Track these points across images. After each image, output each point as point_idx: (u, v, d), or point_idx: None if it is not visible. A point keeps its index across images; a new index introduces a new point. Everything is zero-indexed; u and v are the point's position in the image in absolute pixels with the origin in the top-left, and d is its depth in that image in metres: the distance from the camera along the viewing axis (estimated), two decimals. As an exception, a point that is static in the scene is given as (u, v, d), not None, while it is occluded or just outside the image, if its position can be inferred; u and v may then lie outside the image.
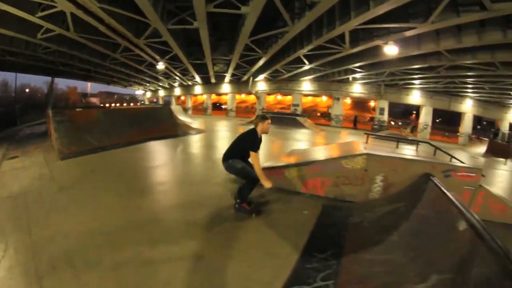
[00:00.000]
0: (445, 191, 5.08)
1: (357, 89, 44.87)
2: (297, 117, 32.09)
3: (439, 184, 5.57)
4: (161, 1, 19.94)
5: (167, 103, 60.65)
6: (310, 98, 58.78)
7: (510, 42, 18.32)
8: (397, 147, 10.57)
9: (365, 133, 11.66)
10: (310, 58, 31.41)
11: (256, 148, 6.54)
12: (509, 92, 34.87)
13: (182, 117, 27.97)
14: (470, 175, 6.67)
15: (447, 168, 6.80)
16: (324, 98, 58.52)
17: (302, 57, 31.36)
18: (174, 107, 33.24)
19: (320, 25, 22.16)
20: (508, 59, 21.62)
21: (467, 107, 44.24)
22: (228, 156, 6.80)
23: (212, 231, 5.87)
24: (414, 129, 41.74)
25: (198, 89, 58.02)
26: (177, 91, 64.25)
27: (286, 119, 30.40)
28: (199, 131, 19.88)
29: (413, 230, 5.12)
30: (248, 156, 6.74)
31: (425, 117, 44.66)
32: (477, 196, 6.64)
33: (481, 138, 38.09)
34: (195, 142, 15.95)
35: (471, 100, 43.92)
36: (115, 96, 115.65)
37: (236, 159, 6.71)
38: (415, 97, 44.47)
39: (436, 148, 10.16)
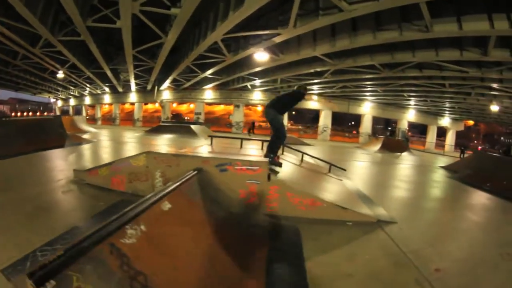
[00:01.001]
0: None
1: (257, 96, 44.75)
2: (192, 125, 30.24)
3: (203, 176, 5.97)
4: (51, 14, 19.98)
5: (78, 112, 59.29)
6: (222, 106, 57.23)
7: (383, 44, 18.99)
8: (241, 147, 11.32)
9: (209, 136, 13.43)
10: (200, 67, 30.93)
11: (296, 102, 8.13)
12: (402, 94, 35.99)
13: (85, 127, 27.45)
14: (253, 169, 6.50)
15: (220, 162, 6.69)
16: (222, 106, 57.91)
17: (192, 66, 30.76)
18: (77, 117, 32.05)
19: (199, 35, 22.08)
20: (386, 61, 21.84)
21: (366, 109, 46.50)
22: (276, 108, 7.83)
23: None
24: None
25: (107, 98, 55.32)
26: (87, 100, 61.07)
27: (181, 128, 28.53)
28: (87, 142, 18.58)
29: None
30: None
31: (324, 120, 45.95)
32: (270, 191, 6.40)
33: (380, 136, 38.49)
34: (69, 154, 13.89)
35: (370, 102, 46.00)
36: (29, 105, 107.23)
37: (281, 116, 7.90)
38: (313, 102, 45.17)
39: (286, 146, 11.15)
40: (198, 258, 3.75)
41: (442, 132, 56.36)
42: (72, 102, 66.65)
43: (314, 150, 21.96)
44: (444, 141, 53.09)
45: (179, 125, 30.34)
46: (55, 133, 16.71)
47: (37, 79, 45.74)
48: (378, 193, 9.93)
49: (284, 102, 8.05)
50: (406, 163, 21.15)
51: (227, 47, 23.31)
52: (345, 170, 12.60)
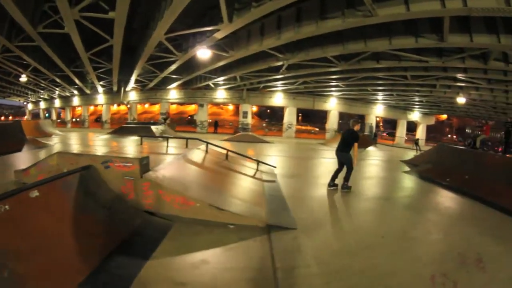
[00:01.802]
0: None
1: (221, 95, 43.74)
2: (153, 126, 28.81)
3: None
4: (7, 21, 20.70)
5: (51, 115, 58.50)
6: (193, 106, 55.32)
7: (335, 36, 18.82)
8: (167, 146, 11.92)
9: (139, 135, 14.42)
10: (158, 67, 30.30)
11: (358, 139, 9.76)
12: (366, 88, 35.41)
13: (51, 131, 26.44)
14: (127, 165, 6.28)
15: (105, 159, 6.53)
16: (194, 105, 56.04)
17: (149, 66, 30.33)
18: (43, 121, 31.25)
19: (149, 35, 21.05)
20: (339, 53, 20.95)
21: (332, 105, 46.10)
22: (345, 149, 9.76)
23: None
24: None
25: (76, 101, 54.09)
26: (57, 102, 59.75)
27: (142, 129, 27.03)
28: (45, 146, 17.67)
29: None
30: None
31: (288, 117, 45.34)
32: (144, 188, 6.18)
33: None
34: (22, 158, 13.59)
35: (335, 98, 45.62)
36: (3, 109, 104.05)
37: (349, 154, 9.70)
38: (278, 99, 44.66)
39: (186, 139, 12.24)
40: (53, 242, 3.96)
41: (414, 127, 56.39)
42: (43, 105, 65.28)
43: (270, 148, 22.49)
44: (415, 135, 52.73)
45: (140, 126, 28.55)
46: (14, 138, 16.35)
47: (2, 83, 45.18)
48: (305, 193, 9.61)
49: (348, 143, 9.80)
50: (366, 158, 21.01)
51: (176, 46, 22.82)
52: (275, 167, 12.44)
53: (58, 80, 38.17)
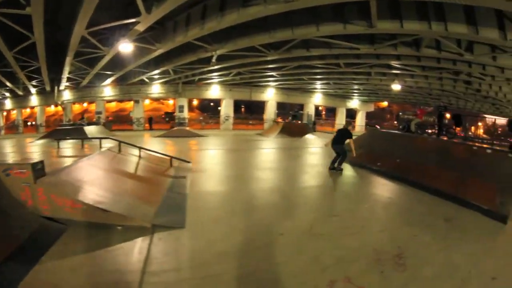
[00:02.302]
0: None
1: (156, 89, 42.52)
2: (87, 127, 28.05)
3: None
4: None
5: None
6: (148, 102, 54.39)
7: (262, 24, 18.56)
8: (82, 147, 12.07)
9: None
10: (88, 63, 29.08)
11: (352, 137, 12.78)
12: (302, 77, 35.41)
13: None
14: (23, 172, 6.12)
15: (5, 167, 6.30)
16: (146, 101, 53.90)
17: (79, 63, 29.09)
18: None
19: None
20: (266, 41, 20.48)
21: (269, 95, 46.31)
22: (340, 142, 12.69)
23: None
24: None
25: (8, 104, 50.33)
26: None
27: (75, 130, 25.79)
28: None
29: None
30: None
31: (225, 109, 45.26)
32: (39, 193, 6.05)
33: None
34: None
35: (273, 88, 45.76)
36: None
37: (343, 145, 12.59)
38: (214, 91, 44.36)
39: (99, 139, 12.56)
40: None
41: (354, 114, 57.74)
42: None
43: (201, 142, 23.05)
44: (355, 122, 54.30)
45: (73, 128, 27.31)
46: None
47: None
48: (212, 189, 9.58)
49: (342, 139, 12.74)
50: (300, 146, 21.43)
51: (104, 40, 21.77)
52: (189, 162, 12.55)
53: None
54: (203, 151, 18.31)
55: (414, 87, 35.58)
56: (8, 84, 36.30)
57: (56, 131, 26.48)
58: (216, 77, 37.58)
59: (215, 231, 6.09)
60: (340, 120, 51.56)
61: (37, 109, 47.32)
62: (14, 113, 53.83)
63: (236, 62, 26.86)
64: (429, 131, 18.26)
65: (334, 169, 12.55)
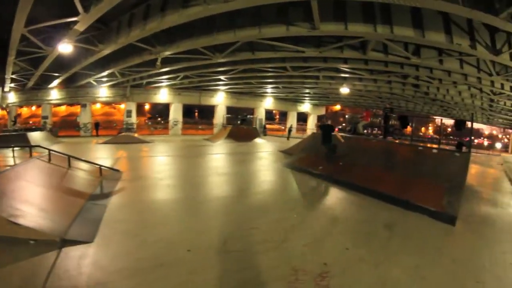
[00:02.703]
0: None
1: (104, 93, 40.91)
2: (31, 133, 26.88)
3: None
4: None
5: None
6: (99, 106, 52.65)
7: (205, 27, 18.55)
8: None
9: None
10: (33, 63, 28.28)
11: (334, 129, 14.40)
12: (250, 81, 35.47)
13: None
14: None
15: None
16: (98, 106, 52.71)
17: (22, 63, 28.13)
18: None
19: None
20: (209, 44, 20.40)
21: (219, 99, 46.57)
22: (327, 139, 13.63)
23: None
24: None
25: None
26: None
27: (17, 137, 24.57)
28: None
29: None
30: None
31: (174, 113, 44.75)
32: None
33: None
34: None
35: (223, 92, 46.06)
36: None
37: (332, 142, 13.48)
38: (163, 95, 43.90)
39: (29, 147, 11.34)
40: None
41: (306, 117, 58.94)
42: None
43: (148, 147, 23.41)
44: (306, 125, 55.84)
45: (15, 135, 25.89)
46: None
47: None
48: (137, 198, 9.29)
49: (328, 134, 13.76)
50: (244, 151, 21.64)
51: (47, 40, 21.04)
52: (118, 170, 12.31)
53: None
54: (141, 158, 18.13)
55: (364, 91, 35.86)
56: None
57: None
58: (165, 80, 37.19)
59: (122, 246, 5.95)
60: (292, 123, 52.51)
61: None
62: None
63: (182, 65, 26.69)
64: (376, 132, 18.96)
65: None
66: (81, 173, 10.81)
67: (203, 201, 9.26)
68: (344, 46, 19.16)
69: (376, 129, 19.90)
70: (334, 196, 10.28)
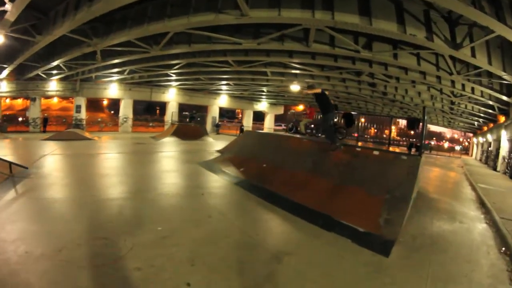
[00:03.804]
0: None
1: (54, 86, 40.39)
2: None
3: None
4: None
5: None
6: (56, 100, 52.51)
7: (141, 13, 18.32)
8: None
9: None
10: None
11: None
12: (199, 76, 35.95)
13: None
14: None
15: None
16: (55, 100, 52.47)
17: None
18: None
19: None
20: (141, 35, 20.23)
21: (171, 96, 46.76)
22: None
23: None
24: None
25: None
26: None
27: None
28: None
29: None
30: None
31: (124, 110, 45.10)
32: None
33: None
34: None
35: (174, 89, 46.23)
36: None
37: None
38: (113, 90, 43.70)
39: None
40: None
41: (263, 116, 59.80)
42: None
43: (88, 144, 23.65)
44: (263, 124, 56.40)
45: None
46: None
47: None
48: (28, 197, 8.74)
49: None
50: (178, 149, 21.58)
51: None
52: (26, 168, 11.78)
53: None
54: (64, 156, 17.52)
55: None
56: None
57: None
58: (114, 75, 37.21)
59: None
60: (247, 123, 53.38)
61: None
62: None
63: (123, 58, 26.84)
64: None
65: (340, 145, 10.48)
66: None
67: (80, 203, 8.47)
68: (283, 36, 18.54)
69: (319, 127, 18.52)
70: (237, 207, 8.76)
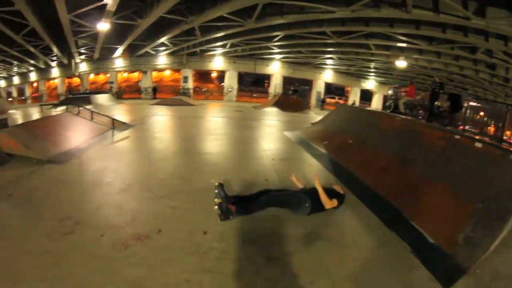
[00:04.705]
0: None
1: (163, 61, 45.02)
2: (95, 95, 30.98)
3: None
4: None
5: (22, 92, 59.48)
6: (168, 73, 56.02)
7: None
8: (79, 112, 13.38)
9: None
10: (90, 38, 31.96)
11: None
12: (299, 49, 35.63)
13: (5, 108, 27.98)
14: None
15: None
16: (167, 72, 56.02)
17: (83, 40, 33.26)
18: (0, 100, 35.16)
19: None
20: (229, 10, 20.73)
21: (275, 68, 46.76)
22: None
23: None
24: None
25: (33, 76, 54.70)
26: (16, 80, 59.77)
27: (83, 99, 28.18)
28: None
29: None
30: None
31: (229, 81, 46.62)
32: (1, 139, 8.45)
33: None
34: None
35: (278, 62, 46.05)
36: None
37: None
38: (218, 63, 45.55)
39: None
40: None
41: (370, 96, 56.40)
42: (2, 83, 63.77)
43: (190, 109, 25.11)
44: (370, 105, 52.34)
45: (81, 97, 30.19)
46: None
47: None
48: (124, 145, 11.13)
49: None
50: (275, 118, 21.42)
51: (91, 20, 24.14)
52: (127, 124, 14.49)
53: (8, 60, 41.76)
54: (166, 117, 19.73)
55: (429, 68, 30.95)
56: (28, 59, 41.32)
57: (67, 99, 28.71)
58: (218, 49, 38.69)
59: (81, 171, 7.95)
60: (352, 101, 50.61)
61: (58, 81, 51.34)
62: (55, 81, 54.94)
63: (221, 33, 27.80)
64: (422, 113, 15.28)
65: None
66: (96, 123, 13.32)
67: (164, 153, 10.02)
68: (379, 2, 17.11)
69: (420, 109, 15.30)
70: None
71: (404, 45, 25.60)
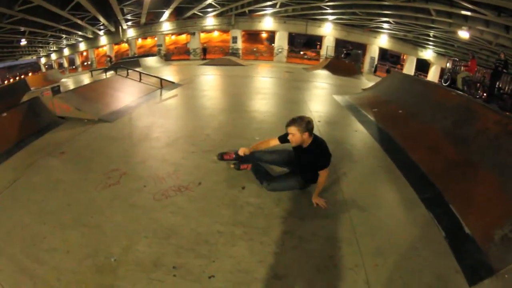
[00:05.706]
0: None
1: (210, 22, 45.85)
2: (144, 58, 32.01)
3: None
4: None
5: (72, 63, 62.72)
6: (217, 34, 56.29)
7: None
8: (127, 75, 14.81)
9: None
10: (135, 4, 34.59)
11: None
12: (355, 10, 35.00)
13: (58, 78, 31.68)
14: (48, 92, 9.60)
15: (41, 91, 10.72)
16: (216, 33, 56.54)
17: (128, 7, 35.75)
18: (50, 71, 42.45)
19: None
20: None
21: (327, 30, 45.52)
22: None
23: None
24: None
25: (82, 46, 56.80)
26: (66, 51, 61.91)
27: (132, 62, 29.03)
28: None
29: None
30: None
31: (279, 41, 46.17)
32: (55, 103, 9.27)
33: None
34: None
35: (331, 23, 44.73)
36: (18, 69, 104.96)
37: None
38: (267, 23, 45.19)
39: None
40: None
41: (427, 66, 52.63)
42: (54, 56, 67.49)
43: (238, 69, 25.87)
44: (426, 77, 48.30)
45: (130, 61, 30.94)
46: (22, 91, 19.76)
47: (9, 49, 51.01)
48: (173, 103, 12.05)
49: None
50: (326, 81, 20.28)
51: None
52: (175, 83, 15.27)
53: (57, 34, 44.29)
54: (214, 76, 20.31)
55: (494, 44, 26.05)
56: (76, 31, 44.54)
57: (117, 64, 30.12)
58: (267, 8, 39.05)
59: (130, 127, 8.82)
60: (408, 70, 47.68)
61: (106, 48, 53.68)
62: (105, 48, 57.32)
63: None
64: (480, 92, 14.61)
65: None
66: (145, 84, 14.42)
67: (219, 110, 10.75)
68: None
69: (480, 87, 13.93)
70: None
71: (468, 13, 22.48)
